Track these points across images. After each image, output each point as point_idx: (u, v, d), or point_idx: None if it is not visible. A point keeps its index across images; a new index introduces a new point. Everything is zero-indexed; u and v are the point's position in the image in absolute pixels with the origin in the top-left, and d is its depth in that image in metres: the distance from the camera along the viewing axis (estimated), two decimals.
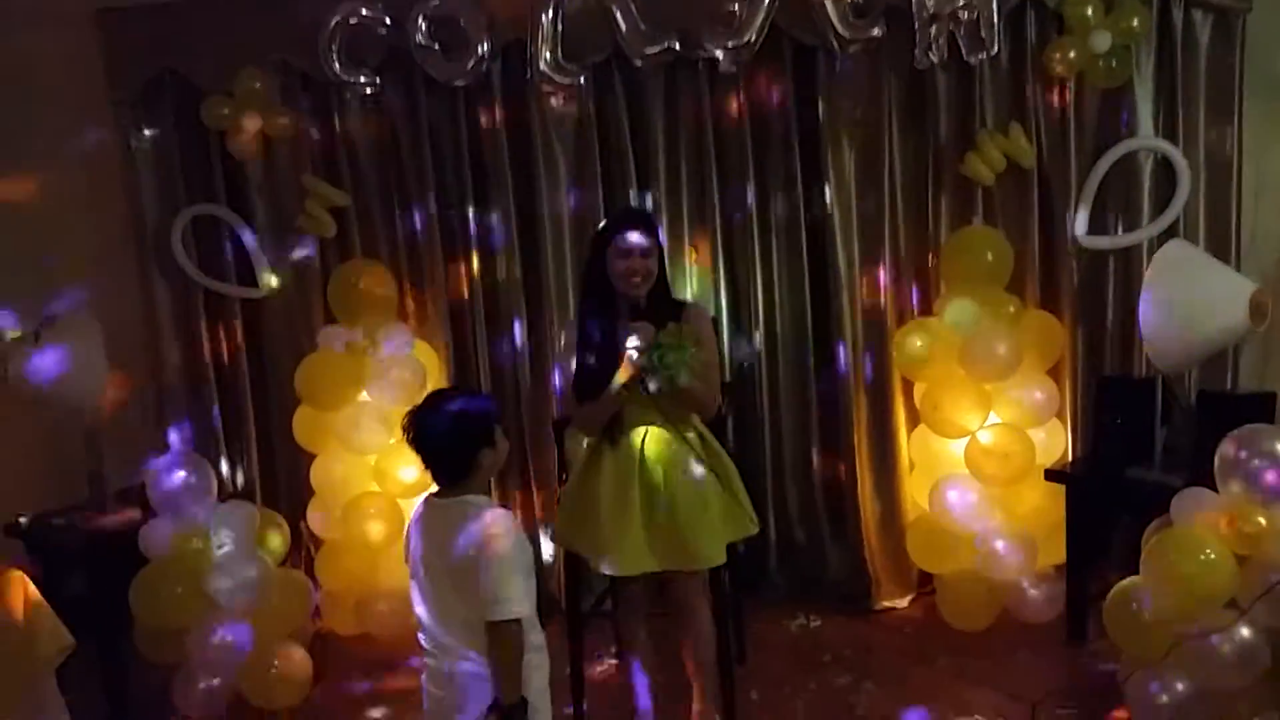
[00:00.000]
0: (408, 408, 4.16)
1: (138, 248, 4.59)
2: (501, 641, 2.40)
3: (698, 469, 3.10)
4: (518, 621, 2.41)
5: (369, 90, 4.37)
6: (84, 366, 3.91)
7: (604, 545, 3.07)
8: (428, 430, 2.49)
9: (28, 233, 4.22)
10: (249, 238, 4.52)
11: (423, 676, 2.59)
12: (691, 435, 3.14)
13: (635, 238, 3.11)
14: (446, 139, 4.39)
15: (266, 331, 4.64)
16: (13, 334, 3.86)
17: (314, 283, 4.55)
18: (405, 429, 2.52)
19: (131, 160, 4.54)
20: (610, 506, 3.07)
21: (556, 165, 4.35)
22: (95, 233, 4.51)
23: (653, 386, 2.99)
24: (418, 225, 4.47)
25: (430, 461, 2.50)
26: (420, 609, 2.54)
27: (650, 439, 3.10)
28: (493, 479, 4.17)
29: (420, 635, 2.57)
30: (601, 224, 3.31)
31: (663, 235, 3.55)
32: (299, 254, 4.53)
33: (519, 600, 2.39)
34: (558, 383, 3.29)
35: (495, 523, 2.42)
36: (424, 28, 4.19)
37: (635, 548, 3.03)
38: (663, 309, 3.13)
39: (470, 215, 4.42)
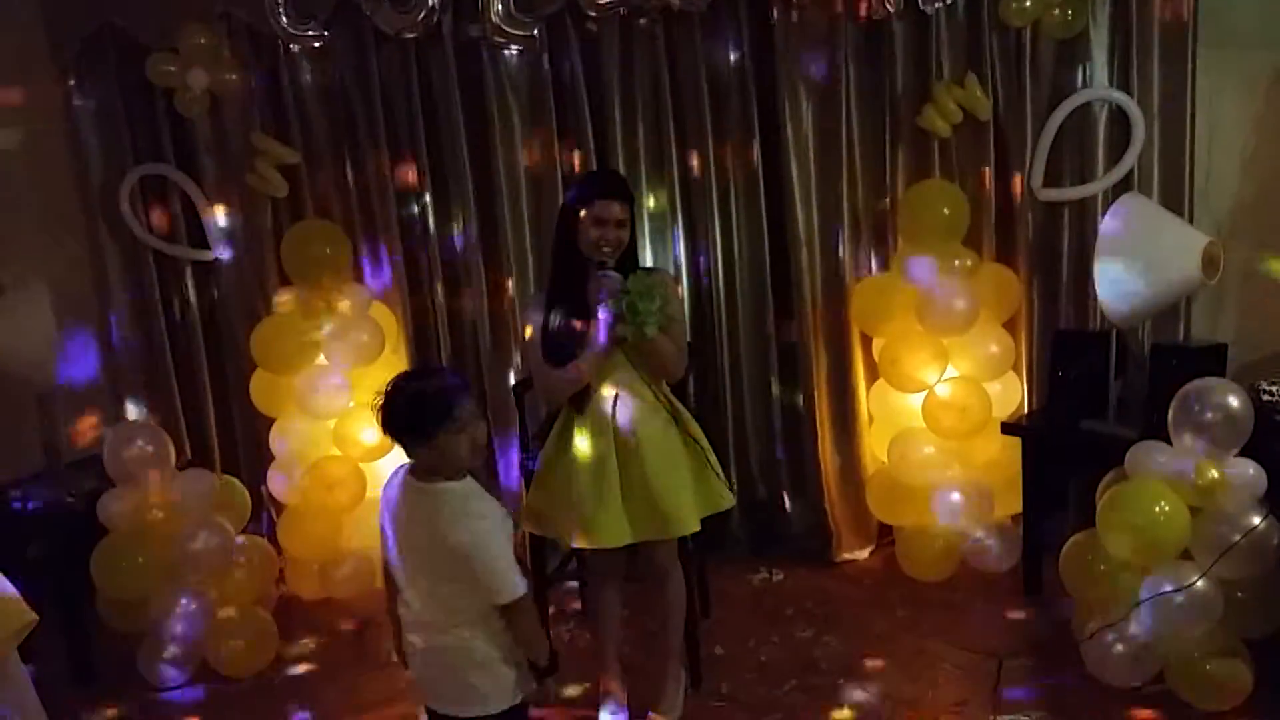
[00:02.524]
0: (365, 370, 4.15)
1: (84, 210, 4.51)
2: (517, 618, 2.41)
3: (668, 431, 3.10)
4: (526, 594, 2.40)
5: (317, 44, 4.28)
6: (33, 334, 3.85)
7: (582, 519, 3.03)
8: (385, 406, 2.41)
9: None
10: (199, 198, 4.43)
11: (407, 652, 2.55)
12: (665, 408, 3.12)
13: (610, 206, 3.04)
14: (398, 94, 4.32)
15: (220, 294, 4.58)
16: None
17: (267, 244, 4.48)
18: (374, 407, 2.44)
19: (75, 119, 4.44)
20: (587, 480, 3.03)
21: (511, 120, 4.28)
22: (40, 195, 4.40)
23: (620, 333, 2.97)
24: (371, 183, 4.40)
25: (393, 438, 2.44)
26: (407, 588, 2.48)
27: (621, 400, 3.07)
28: None
29: (402, 611, 2.52)
30: (574, 189, 3.18)
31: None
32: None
33: (517, 577, 2.37)
34: (524, 347, 3.17)
35: (478, 512, 2.37)
36: None
37: (614, 520, 3.00)
38: (631, 271, 3.09)
39: (425, 172, 4.36)
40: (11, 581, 3.01)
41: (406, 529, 2.44)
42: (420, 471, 2.44)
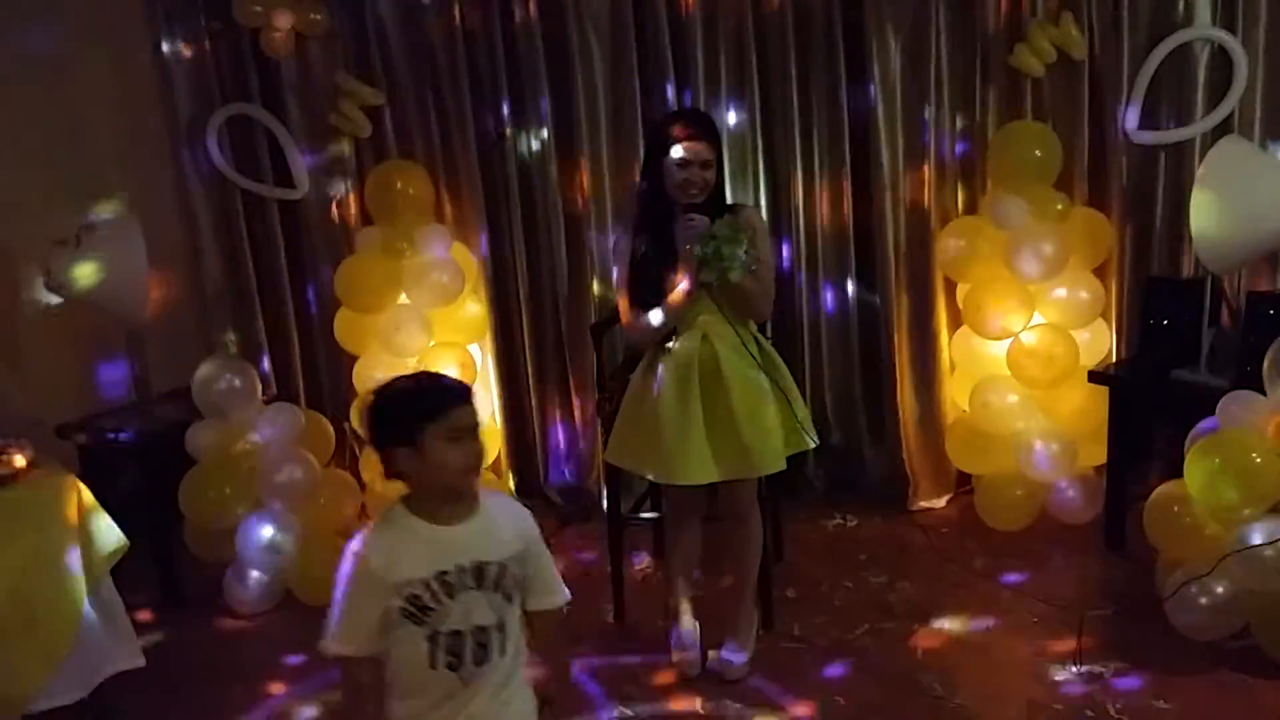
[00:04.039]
0: (446, 310, 4.17)
1: (173, 148, 4.57)
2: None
3: (754, 371, 3.07)
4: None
5: None
6: (125, 270, 3.93)
7: (667, 455, 3.04)
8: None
9: (63, 136, 4.18)
10: (285, 138, 4.48)
11: None
12: (750, 343, 3.10)
13: (696, 148, 3.00)
14: (480, 34, 4.30)
15: (305, 233, 4.63)
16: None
17: (350, 183, 4.52)
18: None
19: (163, 59, 4.50)
20: (672, 416, 3.03)
21: (592, 59, 4.23)
22: (131, 135, 4.47)
23: (704, 278, 2.96)
24: (452, 124, 4.40)
25: None
26: None
27: (707, 341, 3.06)
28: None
29: None
30: (660, 129, 3.12)
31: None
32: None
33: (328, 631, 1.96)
34: (619, 299, 3.17)
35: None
36: None
37: (699, 457, 3.01)
38: (717, 212, 3.06)
39: (506, 112, 4.35)
40: (105, 509, 3.13)
41: None
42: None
